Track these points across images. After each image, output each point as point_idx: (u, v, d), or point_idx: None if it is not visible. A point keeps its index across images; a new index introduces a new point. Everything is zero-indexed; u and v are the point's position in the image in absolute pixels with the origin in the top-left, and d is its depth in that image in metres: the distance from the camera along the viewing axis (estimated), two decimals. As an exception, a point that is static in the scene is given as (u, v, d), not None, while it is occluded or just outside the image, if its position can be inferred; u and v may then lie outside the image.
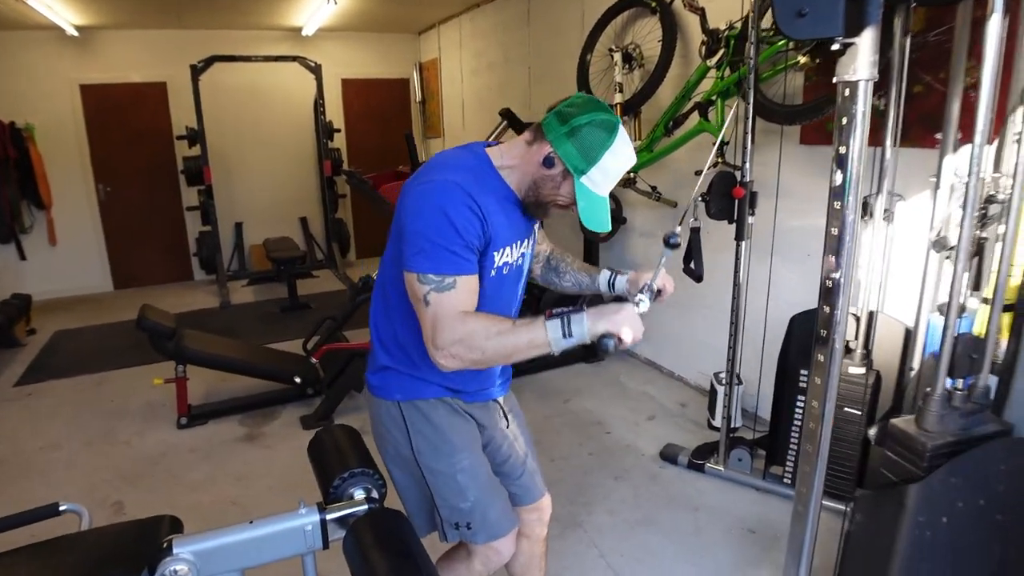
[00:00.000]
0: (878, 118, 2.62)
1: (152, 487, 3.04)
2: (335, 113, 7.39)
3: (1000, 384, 1.67)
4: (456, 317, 1.30)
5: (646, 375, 4.12)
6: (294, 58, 6.49)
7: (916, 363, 2.32)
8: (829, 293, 1.32)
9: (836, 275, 1.31)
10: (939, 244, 2.01)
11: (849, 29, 1.20)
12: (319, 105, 6.75)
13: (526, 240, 1.54)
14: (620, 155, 1.35)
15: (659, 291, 1.52)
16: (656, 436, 3.29)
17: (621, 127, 1.36)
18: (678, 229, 1.52)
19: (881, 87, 2.59)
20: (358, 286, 3.76)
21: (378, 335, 1.57)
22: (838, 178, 1.28)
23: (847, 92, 1.24)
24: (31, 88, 6.20)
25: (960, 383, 1.55)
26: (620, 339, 1.29)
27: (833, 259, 1.30)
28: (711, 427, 3.31)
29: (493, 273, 1.44)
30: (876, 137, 2.64)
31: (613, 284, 1.72)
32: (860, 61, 1.21)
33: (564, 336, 1.28)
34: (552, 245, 1.84)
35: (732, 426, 2.88)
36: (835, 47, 1.23)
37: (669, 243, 1.47)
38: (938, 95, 2.43)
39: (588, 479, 2.93)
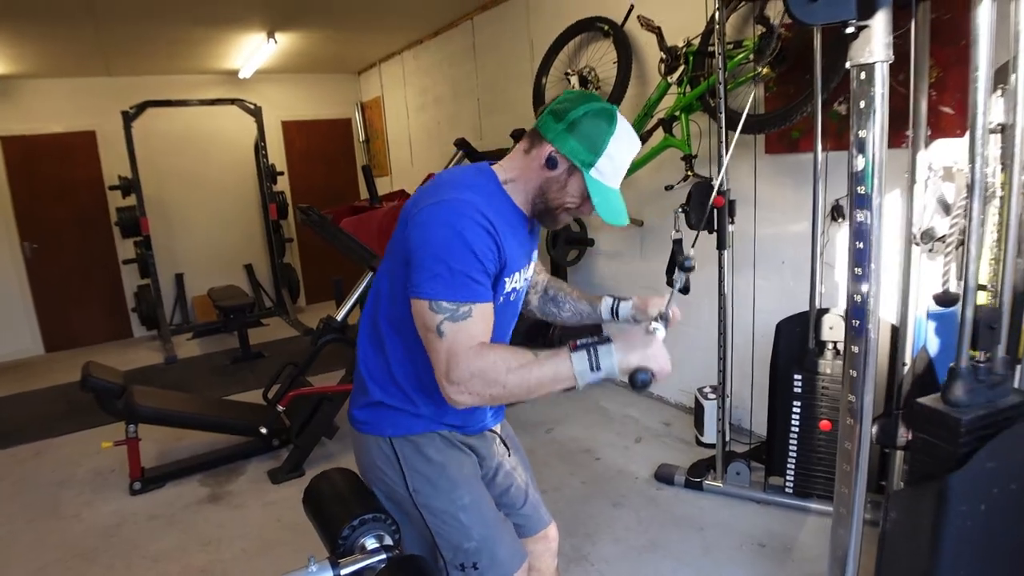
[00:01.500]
0: (836, 122, 2.70)
1: (110, 562, 2.74)
2: (277, 156, 7.19)
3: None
4: (473, 349, 1.19)
5: (625, 398, 4.05)
6: (232, 101, 6.31)
7: (907, 359, 2.32)
8: (859, 281, 1.27)
9: (865, 263, 1.26)
10: (927, 236, 2.03)
11: (862, 11, 1.18)
12: (260, 148, 6.56)
13: (529, 264, 1.47)
14: (625, 141, 1.28)
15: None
16: (647, 458, 3.21)
17: (619, 114, 1.30)
18: (691, 252, 1.46)
19: (845, 91, 2.66)
20: (320, 329, 3.58)
21: (368, 370, 1.44)
22: (859, 163, 1.24)
23: (863, 75, 1.22)
24: (-55, 142, 5.82)
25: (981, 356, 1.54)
26: (654, 373, 1.21)
27: (861, 245, 1.26)
28: (700, 443, 3.26)
29: (502, 300, 1.35)
30: (843, 141, 2.71)
31: (617, 312, 1.64)
32: (875, 43, 1.19)
33: (592, 369, 1.18)
34: (548, 275, 1.77)
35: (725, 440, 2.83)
36: (849, 30, 1.20)
37: (684, 267, 1.40)
38: (898, 96, 2.49)
39: (586, 509, 2.81)
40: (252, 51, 5.75)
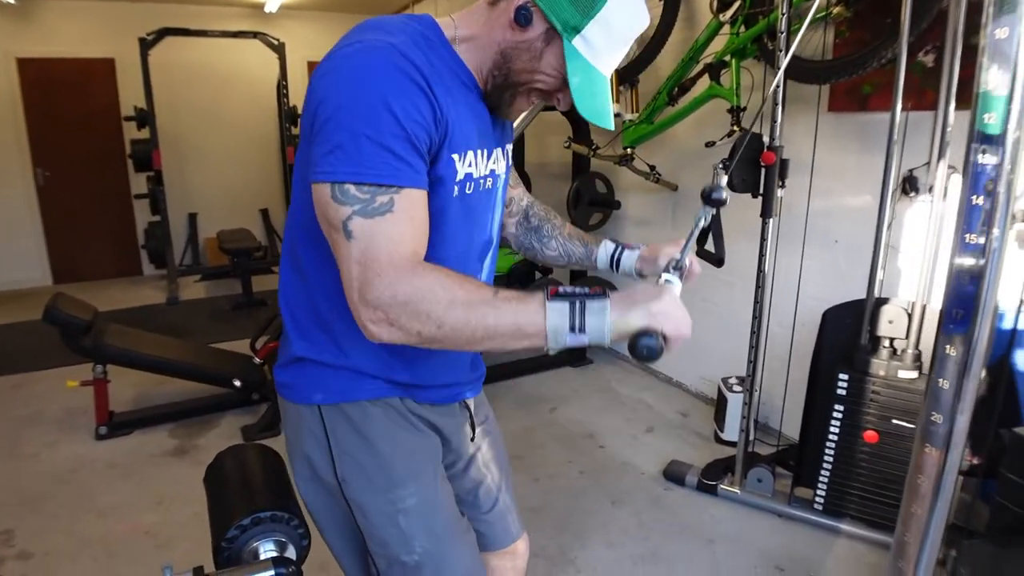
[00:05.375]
0: (919, 76, 2.25)
1: (55, 512, 2.51)
2: (300, 98, 6.73)
3: None
4: (404, 263, 0.84)
5: (641, 381, 3.67)
6: (255, 34, 5.96)
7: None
8: (968, 252, 0.88)
9: (980, 225, 0.87)
10: (1033, 214, 1.60)
11: None
12: (282, 87, 6.24)
13: (497, 152, 1.07)
14: (629, 6, 0.91)
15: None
16: (657, 451, 2.85)
17: None
18: (723, 181, 1.06)
19: (932, 39, 2.20)
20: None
21: (289, 308, 1.07)
22: (992, 78, 0.84)
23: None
24: (-42, 60, 5.61)
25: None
26: (666, 338, 0.86)
27: (980, 200, 0.86)
28: (719, 441, 2.89)
29: (456, 192, 0.97)
30: (925, 100, 2.26)
31: (617, 261, 1.26)
32: None
33: (572, 329, 0.84)
34: (531, 196, 1.36)
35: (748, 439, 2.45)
36: None
37: (711, 199, 1.00)
38: (1003, 46, 2.04)
39: (580, 503, 2.47)
40: (276, -20, 5.40)
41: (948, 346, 0.93)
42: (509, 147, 1.14)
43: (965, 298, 0.89)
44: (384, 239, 0.84)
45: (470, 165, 0.98)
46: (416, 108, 0.85)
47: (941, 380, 0.95)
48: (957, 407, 0.94)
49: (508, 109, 1.01)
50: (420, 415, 1.12)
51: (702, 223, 1.04)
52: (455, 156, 0.94)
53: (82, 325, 2.93)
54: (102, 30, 6.06)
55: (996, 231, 0.86)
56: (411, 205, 0.86)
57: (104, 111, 6.22)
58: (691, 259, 1.06)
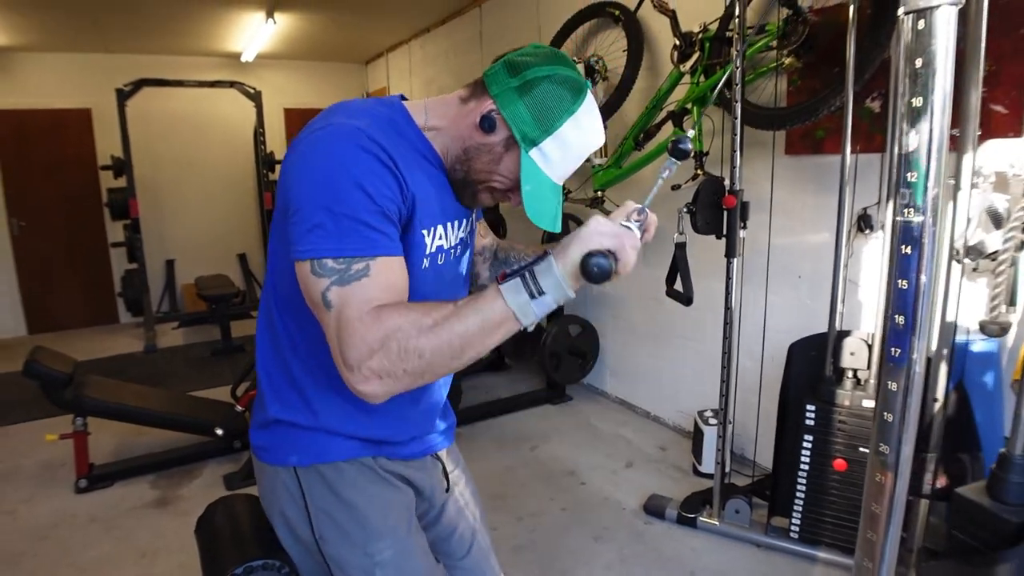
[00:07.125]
0: (867, 121, 2.39)
1: (34, 569, 2.48)
2: (277, 144, 6.95)
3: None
4: (368, 316, 0.88)
5: (619, 416, 3.74)
6: (231, 83, 6.07)
7: (939, 394, 2.01)
8: (902, 298, 0.97)
9: (912, 274, 0.96)
10: (974, 251, 1.72)
11: (925, -62, 0.89)
12: (259, 134, 6.33)
13: (465, 222, 1.15)
14: (585, 127, 1.00)
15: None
16: (637, 485, 2.89)
17: (591, 94, 1.01)
18: (691, 132, 1.13)
19: (877, 87, 2.36)
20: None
21: (267, 374, 1.12)
22: (912, 141, 0.95)
23: (921, 25, 0.92)
24: (-65, 113, 5.63)
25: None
26: (614, 255, 0.88)
27: (908, 250, 0.96)
28: (697, 473, 2.96)
29: (426, 263, 1.04)
30: (874, 142, 2.41)
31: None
32: (940, -19, 0.90)
33: (532, 296, 0.88)
34: (495, 238, 1.44)
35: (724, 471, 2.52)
36: (907, -35, 0.91)
37: (678, 149, 0.99)
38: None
39: (563, 541, 2.51)
40: (253, 32, 5.52)
41: (890, 382, 1.02)
42: (474, 213, 1.21)
43: (900, 337, 0.98)
44: (356, 300, 0.89)
45: (441, 238, 1.05)
46: (385, 185, 0.92)
47: (886, 414, 1.04)
48: (903, 436, 1.02)
49: (472, 202, 1.10)
50: (393, 471, 1.16)
51: (664, 176, 1.02)
52: (424, 231, 1.01)
53: (63, 378, 2.93)
54: (79, 81, 6.14)
55: (924, 278, 0.95)
56: (386, 269, 0.92)
57: (80, 160, 6.26)
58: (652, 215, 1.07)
